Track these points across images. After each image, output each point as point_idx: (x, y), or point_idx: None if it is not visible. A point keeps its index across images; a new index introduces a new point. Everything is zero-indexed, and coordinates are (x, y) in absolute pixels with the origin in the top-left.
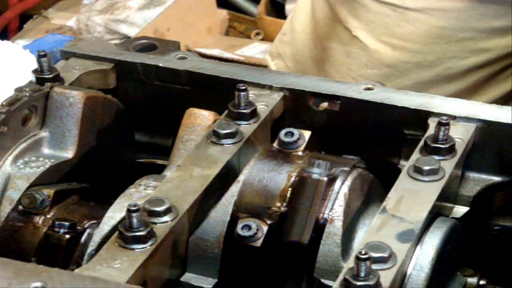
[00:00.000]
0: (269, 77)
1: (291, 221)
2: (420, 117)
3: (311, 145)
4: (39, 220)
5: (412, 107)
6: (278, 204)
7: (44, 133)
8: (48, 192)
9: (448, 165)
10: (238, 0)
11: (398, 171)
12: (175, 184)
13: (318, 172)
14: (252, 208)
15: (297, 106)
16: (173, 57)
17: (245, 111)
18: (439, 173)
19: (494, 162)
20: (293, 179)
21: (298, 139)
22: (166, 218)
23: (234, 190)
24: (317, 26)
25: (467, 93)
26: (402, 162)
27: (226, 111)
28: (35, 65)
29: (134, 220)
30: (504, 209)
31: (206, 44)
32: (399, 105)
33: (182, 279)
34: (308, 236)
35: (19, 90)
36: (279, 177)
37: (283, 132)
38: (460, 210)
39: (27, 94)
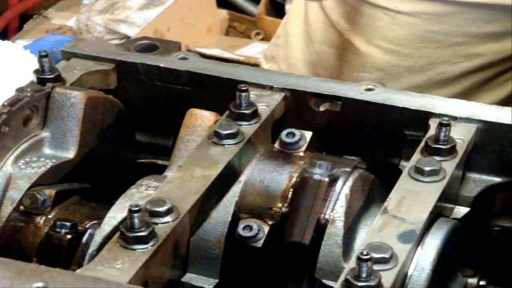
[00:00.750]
0: (270, 77)
1: (292, 222)
2: (421, 118)
3: (312, 145)
4: (40, 220)
5: (413, 108)
6: (279, 205)
7: (45, 134)
8: (49, 192)
9: (449, 166)
10: (238, 0)
11: (399, 172)
12: (176, 185)
13: (319, 173)
14: (254, 208)
15: (298, 106)
16: (174, 58)
17: (246, 111)
18: (440, 174)
19: (494, 163)
20: (294, 179)
21: (300, 139)
22: (167, 218)
23: (235, 191)
24: (310, 29)
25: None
26: (403, 163)
27: (227, 112)
28: (36, 66)
29: (136, 221)
30: (505, 210)
31: (206, 44)
32: (400, 106)
33: (183, 279)
34: (309, 237)
35: (20, 90)
36: (281, 178)
37: (284, 132)
38: (461, 210)
39: (28, 95)
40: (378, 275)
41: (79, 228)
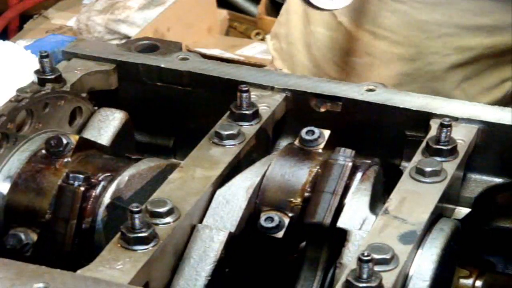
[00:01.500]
0: (271, 78)
1: (315, 203)
2: (422, 119)
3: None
4: (62, 162)
5: (414, 109)
6: (299, 198)
7: None
8: (73, 138)
9: (450, 167)
10: (238, 0)
11: (400, 173)
12: (177, 185)
13: (343, 158)
14: (275, 201)
15: (299, 107)
16: (175, 58)
17: (247, 112)
18: (441, 175)
19: (495, 163)
20: (314, 174)
21: (319, 137)
22: (168, 219)
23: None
24: (307, 8)
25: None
26: (404, 164)
27: (228, 112)
28: (36, 66)
29: (137, 221)
30: (506, 210)
31: (206, 44)
32: (401, 106)
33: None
34: (330, 218)
35: (21, 90)
36: (301, 172)
37: (304, 130)
38: (462, 211)
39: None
40: (379, 276)
41: (92, 180)
